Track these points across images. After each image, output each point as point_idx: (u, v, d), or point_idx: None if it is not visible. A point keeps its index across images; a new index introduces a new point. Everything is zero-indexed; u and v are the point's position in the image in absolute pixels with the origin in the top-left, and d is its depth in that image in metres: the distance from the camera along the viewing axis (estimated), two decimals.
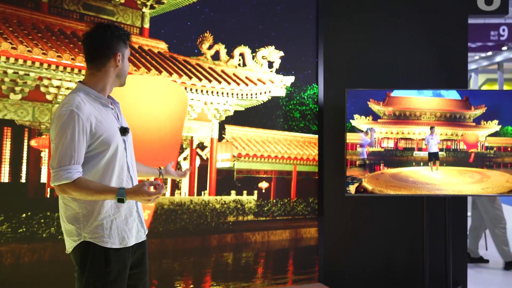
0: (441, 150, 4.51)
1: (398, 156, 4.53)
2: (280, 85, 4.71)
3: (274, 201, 4.72)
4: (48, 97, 3.87)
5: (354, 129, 4.49)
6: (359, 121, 4.48)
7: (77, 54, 3.98)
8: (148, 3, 4.25)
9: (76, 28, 4.07)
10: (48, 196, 3.87)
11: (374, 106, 4.51)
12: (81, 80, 2.33)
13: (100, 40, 2.24)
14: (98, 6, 4.12)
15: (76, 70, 3.96)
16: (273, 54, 4.68)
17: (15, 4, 3.82)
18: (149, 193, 2.05)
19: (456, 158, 4.51)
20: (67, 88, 3.99)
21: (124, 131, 2.25)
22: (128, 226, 2.24)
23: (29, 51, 3.78)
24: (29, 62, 3.81)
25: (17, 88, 3.79)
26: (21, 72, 3.80)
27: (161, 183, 2.11)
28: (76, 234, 2.20)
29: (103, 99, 2.23)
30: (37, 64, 3.83)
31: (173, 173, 2.67)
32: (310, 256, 4.86)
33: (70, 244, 2.24)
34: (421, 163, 4.51)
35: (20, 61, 3.78)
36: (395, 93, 4.54)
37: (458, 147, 4.52)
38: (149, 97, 4.23)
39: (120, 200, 2.07)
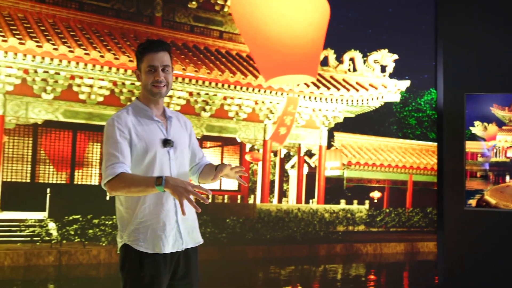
0: None
1: None
2: (393, 90, 4.49)
3: (388, 210, 4.50)
4: None
5: (474, 137, 4.12)
6: (480, 128, 4.10)
7: (188, 64, 4.16)
8: None
9: (187, 39, 4.25)
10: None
11: (498, 112, 4.10)
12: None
13: None
14: (208, 18, 4.26)
15: (187, 80, 4.14)
16: (386, 57, 4.47)
17: (132, 20, 4.11)
18: (191, 185, 2.01)
19: None
20: (178, 97, 4.21)
21: (165, 142, 2.29)
22: (165, 233, 2.28)
23: None
24: None
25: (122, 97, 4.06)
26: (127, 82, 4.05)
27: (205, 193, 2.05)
28: (120, 236, 2.33)
29: (149, 112, 2.31)
30: None
31: (224, 172, 2.35)
32: (428, 272, 4.54)
33: (118, 245, 2.37)
34: None
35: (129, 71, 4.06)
36: None
37: None
38: (292, 4, 4.17)
39: (158, 182, 2.07)
